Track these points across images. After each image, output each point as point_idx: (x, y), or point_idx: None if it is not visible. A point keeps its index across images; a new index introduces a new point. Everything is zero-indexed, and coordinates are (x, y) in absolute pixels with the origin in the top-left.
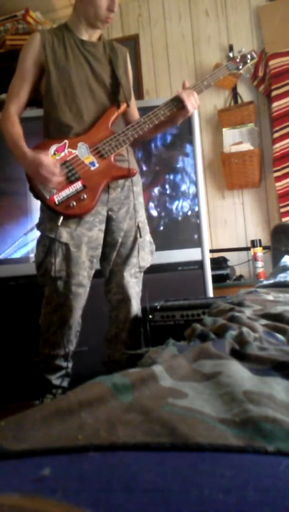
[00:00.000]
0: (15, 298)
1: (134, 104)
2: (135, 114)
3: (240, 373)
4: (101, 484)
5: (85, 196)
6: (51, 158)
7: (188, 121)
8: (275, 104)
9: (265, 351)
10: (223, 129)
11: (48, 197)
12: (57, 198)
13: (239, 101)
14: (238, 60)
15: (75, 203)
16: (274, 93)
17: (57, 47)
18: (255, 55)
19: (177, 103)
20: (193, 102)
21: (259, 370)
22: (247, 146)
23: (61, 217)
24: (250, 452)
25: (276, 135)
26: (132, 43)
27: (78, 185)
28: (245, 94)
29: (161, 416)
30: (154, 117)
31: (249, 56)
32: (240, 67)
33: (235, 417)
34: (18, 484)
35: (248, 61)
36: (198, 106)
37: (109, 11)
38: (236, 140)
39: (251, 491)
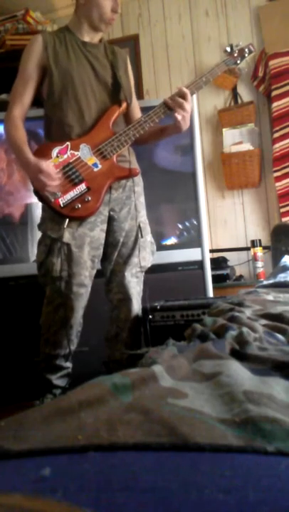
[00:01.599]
0: (15, 298)
1: (136, 107)
2: (138, 116)
3: (240, 373)
4: (101, 484)
5: (90, 198)
6: (54, 160)
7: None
8: (275, 104)
9: (265, 351)
10: (223, 129)
11: (52, 200)
12: (62, 201)
13: (239, 101)
14: (235, 55)
15: (80, 205)
16: (274, 93)
17: (58, 48)
18: (252, 49)
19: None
20: (181, 108)
21: (259, 370)
22: (247, 146)
23: (66, 220)
24: (250, 452)
25: (276, 135)
26: (132, 43)
27: (82, 187)
28: (245, 94)
29: (162, 416)
30: (154, 115)
31: (247, 50)
32: (238, 61)
33: (235, 417)
34: (18, 484)
35: (246, 55)
36: (192, 107)
37: (113, 13)
38: (236, 140)
39: (251, 491)
